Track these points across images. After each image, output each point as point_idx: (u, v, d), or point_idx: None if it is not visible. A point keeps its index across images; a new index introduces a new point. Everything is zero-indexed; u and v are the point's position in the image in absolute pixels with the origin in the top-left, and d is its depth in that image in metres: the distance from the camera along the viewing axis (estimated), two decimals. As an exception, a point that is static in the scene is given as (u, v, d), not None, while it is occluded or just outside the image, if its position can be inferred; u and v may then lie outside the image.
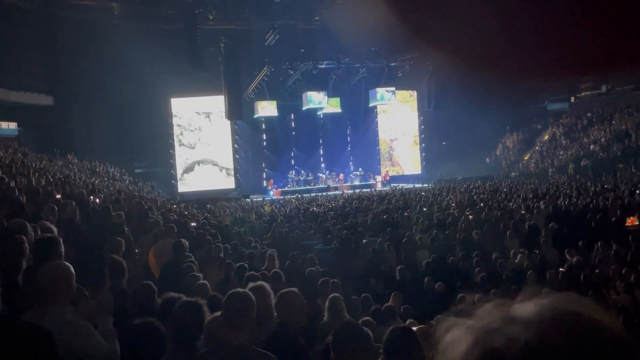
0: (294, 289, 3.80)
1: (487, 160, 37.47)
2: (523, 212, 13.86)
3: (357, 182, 32.14)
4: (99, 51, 26.54)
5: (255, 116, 31.76)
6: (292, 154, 33.91)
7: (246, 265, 6.65)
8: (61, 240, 3.68)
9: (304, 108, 31.36)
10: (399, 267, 8.62)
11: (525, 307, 0.63)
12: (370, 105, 33.40)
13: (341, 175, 32.19)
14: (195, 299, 3.06)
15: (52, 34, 28.59)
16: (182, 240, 6.81)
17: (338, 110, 32.56)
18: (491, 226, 12.04)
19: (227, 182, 33.16)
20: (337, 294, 4.74)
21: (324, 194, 27.36)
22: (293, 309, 3.57)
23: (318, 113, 33.29)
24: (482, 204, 15.83)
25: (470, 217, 13.69)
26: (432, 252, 10.10)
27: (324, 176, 32.50)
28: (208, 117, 33.08)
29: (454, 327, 0.65)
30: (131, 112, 29.12)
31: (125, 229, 7.37)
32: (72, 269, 2.84)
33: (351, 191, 27.41)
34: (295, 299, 3.63)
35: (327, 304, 4.42)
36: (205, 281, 5.07)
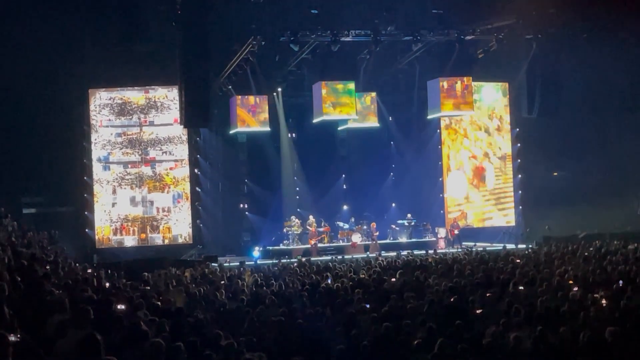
0: None
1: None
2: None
3: (404, 239, 25.37)
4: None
5: (233, 131, 24.47)
6: (293, 188, 26.66)
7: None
8: None
9: (314, 120, 24.04)
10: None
11: None
12: (430, 117, 25.93)
13: (373, 224, 25.28)
14: None
15: None
16: (95, 334, 5.17)
17: (375, 124, 25.39)
18: (640, 321, 10.04)
19: (180, 233, 25.27)
20: None
21: (342, 257, 20.92)
22: None
23: (339, 128, 26.21)
24: (621, 282, 13.77)
25: (603, 303, 11.80)
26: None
27: (346, 226, 24.95)
28: (150, 121, 25.32)
29: None
30: (23, 119, 22.70)
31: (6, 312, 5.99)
32: None
33: (393, 253, 21.23)
34: None
35: None
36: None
